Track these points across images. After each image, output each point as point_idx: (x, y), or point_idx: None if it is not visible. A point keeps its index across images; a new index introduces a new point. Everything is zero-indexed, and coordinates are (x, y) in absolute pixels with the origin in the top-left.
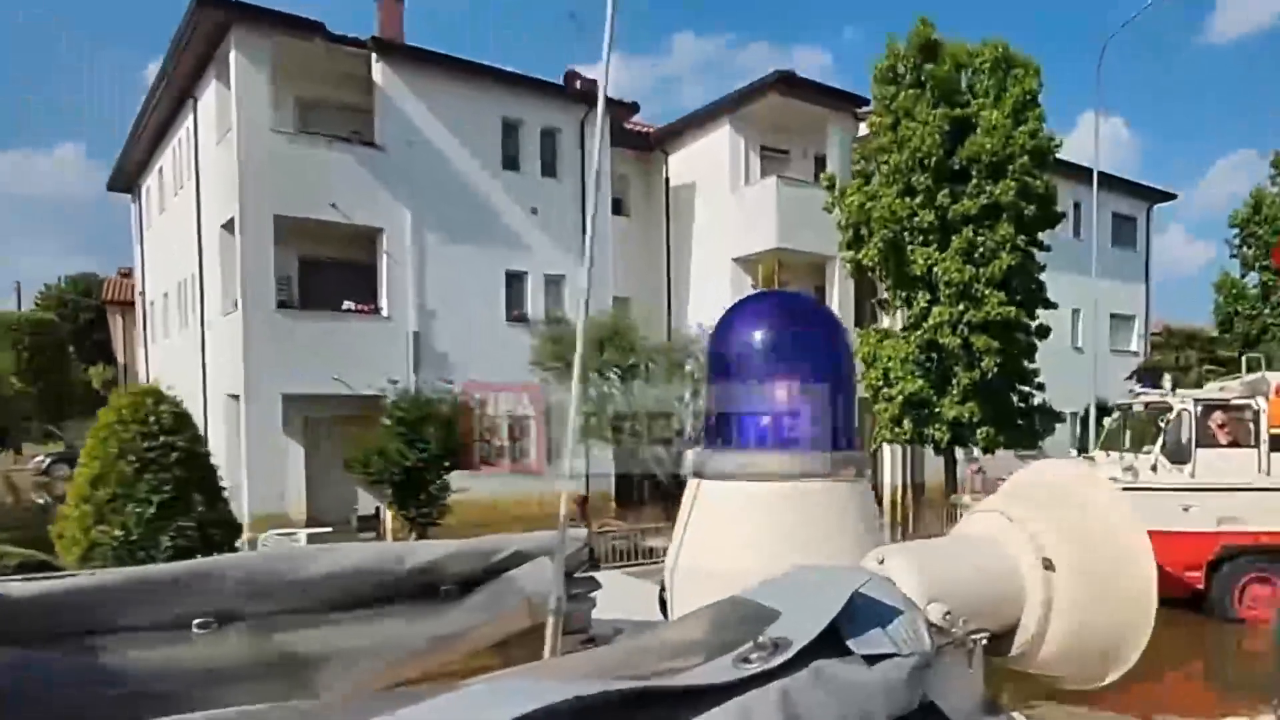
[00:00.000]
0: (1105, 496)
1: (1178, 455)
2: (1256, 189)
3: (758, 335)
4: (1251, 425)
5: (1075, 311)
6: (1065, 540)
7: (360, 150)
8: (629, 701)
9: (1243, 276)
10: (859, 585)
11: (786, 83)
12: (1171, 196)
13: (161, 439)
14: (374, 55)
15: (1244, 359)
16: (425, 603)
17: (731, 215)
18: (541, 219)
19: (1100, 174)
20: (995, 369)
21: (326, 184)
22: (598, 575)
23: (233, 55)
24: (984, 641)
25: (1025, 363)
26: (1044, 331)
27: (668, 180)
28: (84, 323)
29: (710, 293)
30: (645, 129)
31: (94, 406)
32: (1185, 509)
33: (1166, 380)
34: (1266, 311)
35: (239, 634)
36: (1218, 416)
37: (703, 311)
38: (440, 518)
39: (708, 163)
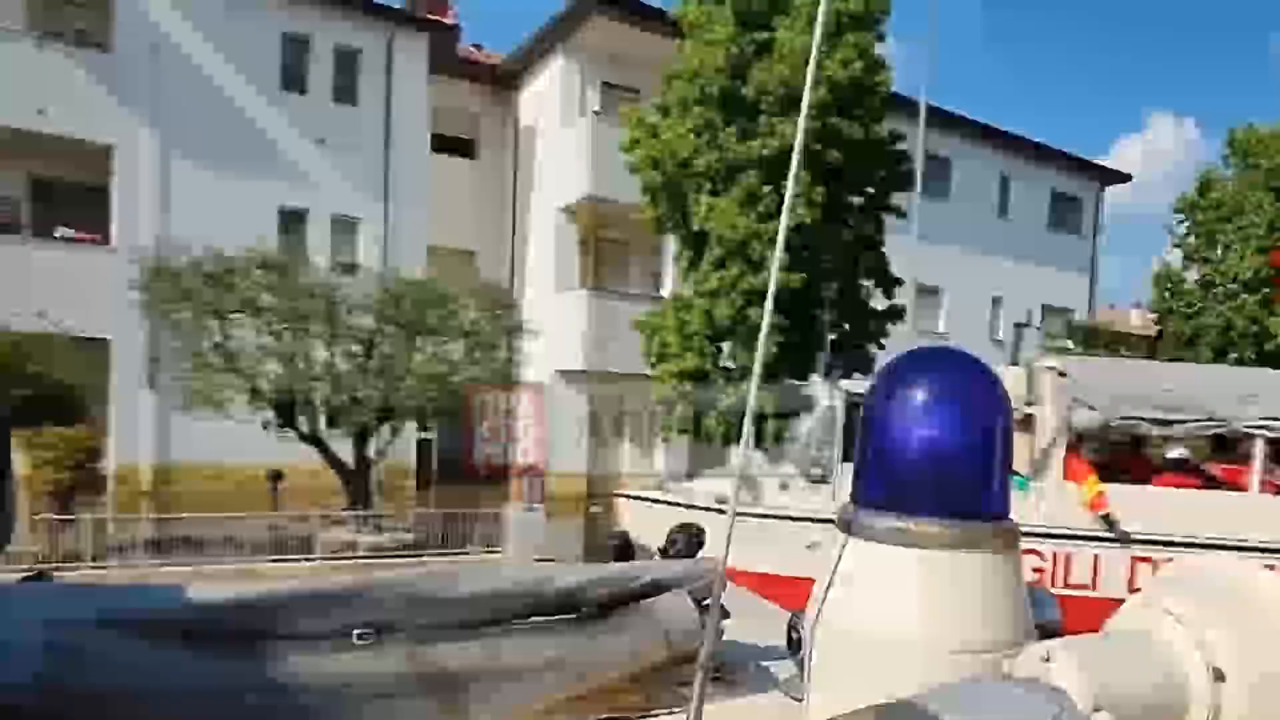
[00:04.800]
0: None
1: (818, 470)
2: (1205, 170)
3: (916, 394)
4: None
5: (995, 300)
6: (1237, 647)
7: (85, 53)
8: None
9: (1183, 269)
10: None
11: (607, 1)
12: (1126, 177)
13: None
14: None
15: (1015, 354)
16: (567, 625)
17: (560, 159)
18: (334, 152)
19: (1038, 146)
20: (775, 350)
21: (36, 89)
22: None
23: None
24: None
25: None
26: (897, 313)
27: (517, 119)
28: None
29: (539, 246)
30: (490, 61)
31: None
32: (811, 546)
33: (818, 367)
34: (1208, 310)
35: (396, 646)
36: None
37: (534, 269)
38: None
39: (549, 100)
